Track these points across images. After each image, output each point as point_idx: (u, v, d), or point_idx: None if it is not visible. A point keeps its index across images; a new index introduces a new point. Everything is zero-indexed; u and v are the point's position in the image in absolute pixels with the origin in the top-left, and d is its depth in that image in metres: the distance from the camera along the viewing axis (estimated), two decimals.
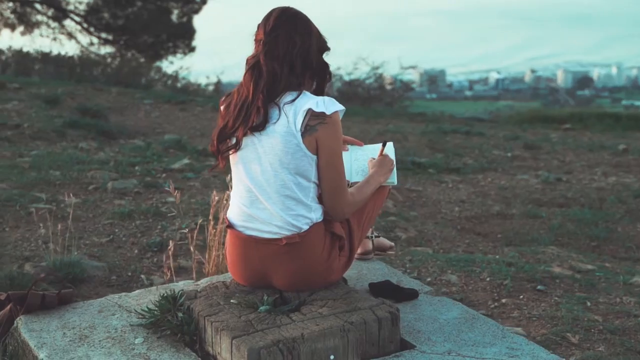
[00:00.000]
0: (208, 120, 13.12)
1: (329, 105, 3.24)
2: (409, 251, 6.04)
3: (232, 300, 3.32)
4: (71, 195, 5.60)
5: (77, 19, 28.80)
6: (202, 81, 23.33)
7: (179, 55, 29.03)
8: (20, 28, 28.24)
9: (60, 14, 28.76)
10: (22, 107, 11.66)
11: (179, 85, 20.89)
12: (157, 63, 28.87)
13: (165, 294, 3.42)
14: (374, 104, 21.63)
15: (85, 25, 28.98)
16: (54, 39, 28.80)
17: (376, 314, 3.19)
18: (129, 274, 5.21)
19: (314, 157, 3.27)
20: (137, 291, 3.82)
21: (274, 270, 3.36)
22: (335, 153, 3.28)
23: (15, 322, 3.52)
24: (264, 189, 3.30)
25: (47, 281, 4.89)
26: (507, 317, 4.79)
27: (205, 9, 28.67)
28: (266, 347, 2.94)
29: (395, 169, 3.76)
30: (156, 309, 3.38)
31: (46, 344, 3.29)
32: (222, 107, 3.43)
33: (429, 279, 5.37)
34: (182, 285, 3.88)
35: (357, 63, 22.36)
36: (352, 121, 14.74)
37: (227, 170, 3.47)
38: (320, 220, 3.35)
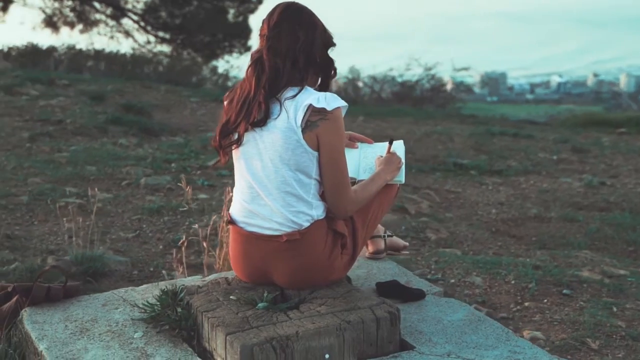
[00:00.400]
0: None
1: (330, 101, 3.20)
2: (437, 252, 5.97)
3: (231, 297, 3.30)
4: (96, 189, 5.63)
5: (135, 17, 29.13)
6: None
7: (235, 55, 29.17)
8: (79, 26, 28.66)
9: (119, 13, 29.14)
10: (68, 103, 11.77)
11: (229, 83, 20.93)
12: (213, 62, 29.07)
13: (165, 289, 3.41)
14: (426, 105, 21.46)
15: (142, 23, 29.30)
16: (111, 37, 29.18)
17: (375, 313, 3.15)
18: (151, 269, 5.22)
19: (315, 153, 3.23)
20: (143, 285, 3.82)
21: (274, 267, 3.34)
22: (336, 149, 3.24)
23: (20, 313, 3.54)
24: (264, 185, 3.28)
25: (68, 274, 4.91)
26: (529, 320, 4.71)
27: (261, 8, 28.77)
28: (259, 344, 2.92)
29: (404, 167, 3.71)
30: (157, 303, 3.37)
31: (47, 336, 3.30)
32: (225, 102, 3.42)
33: (452, 281, 5.30)
34: (189, 280, 3.87)
35: (409, 64, 22.24)
36: (400, 122, 14.62)
37: (230, 166, 3.45)
38: (321, 217, 3.32)
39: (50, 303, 3.60)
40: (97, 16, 29.49)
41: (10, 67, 16.27)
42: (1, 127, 9.60)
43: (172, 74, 19.48)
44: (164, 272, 5.13)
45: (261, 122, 3.24)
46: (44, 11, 28.71)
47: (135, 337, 3.27)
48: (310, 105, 3.18)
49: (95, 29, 29.04)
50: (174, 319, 3.26)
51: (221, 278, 3.54)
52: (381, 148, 3.84)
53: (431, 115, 16.74)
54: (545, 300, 4.98)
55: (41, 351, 3.20)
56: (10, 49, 20.86)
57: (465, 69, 22.92)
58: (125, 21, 29.18)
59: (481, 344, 3.23)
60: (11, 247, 5.42)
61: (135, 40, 28.96)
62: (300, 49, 3.26)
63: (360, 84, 23.04)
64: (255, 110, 3.25)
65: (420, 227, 6.64)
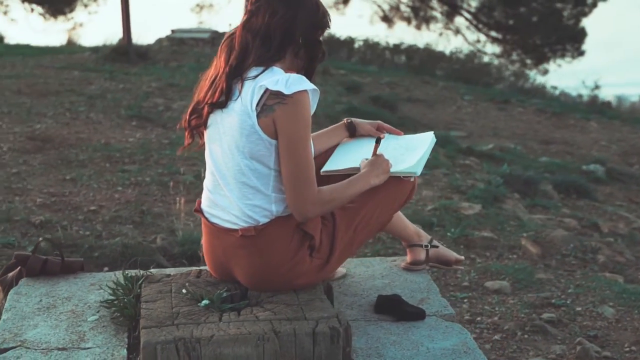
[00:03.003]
0: (518, 121, 12.54)
1: (292, 83, 2.86)
2: (590, 277, 5.29)
3: (183, 290, 3.06)
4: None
5: (468, 15, 29.19)
6: (566, 88, 22.11)
7: (567, 59, 28.21)
8: (415, 22, 29.22)
9: (452, 11, 29.39)
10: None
11: (526, 85, 20.15)
12: (543, 65, 28.38)
13: (129, 274, 3.25)
14: None
15: (474, 22, 29.32)
16: (440, 34, 29.45)
17: (316, 327, 2.78)
18: None
19: (273, 141, 2.91)
20: (154, 270, 3.67)
21: (234, 264, 3.06)
22: (294, 138, 2.88)
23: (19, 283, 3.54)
24: (223, 174, 3.02)
25: (161, 253, 4.91)
26: None
27: (595, 12, 27.69)
28: (164, 343, 2.67)
29: (422, 159, 3.25)
30: (119, 288, 3.22)
31: (15, 307, 3.25)
32: (201, 81, 3.18)
33: (578, 309, 4.68)
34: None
35: None
36: None
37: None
38: (285, 214, 2.99)
39: (48, 276, 3.55)
40: (432, 13, 29.96)
41: None
42: None
43: (466, 71, 19.09)
44: None
45: (221, 103, 2.98)
46: (379, 6, 29.60)
47: (88, 320, 3.13)
48: (266, 87, 2.87)
49: (429, 26, 29.56)
50: (120, 307, 3.09)
51: (196, 270, 3.32)
52: (410, 141, 3.41)
53: None
54: None
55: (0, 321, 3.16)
56: None
57: None
58: (457, 19, 29.41)
59: None
60: (138, 222, 5.49)
61: (466, 39, 29.07)
62: (277, 25, 2.95)
63: None
64: (219, 90, 2.99)
65: (594, 248, 5.91)
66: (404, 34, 33.53)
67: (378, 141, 3.26)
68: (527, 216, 6.44)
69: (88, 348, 2.93)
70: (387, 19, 30.07)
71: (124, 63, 12.66)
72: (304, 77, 2.91)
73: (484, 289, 4.89)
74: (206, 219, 3.11)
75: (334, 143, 3.46)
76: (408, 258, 3.66)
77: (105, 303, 3.20)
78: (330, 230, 3.08)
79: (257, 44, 2.95)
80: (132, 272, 3.31)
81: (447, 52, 22.18)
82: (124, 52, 13.10)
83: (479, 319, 4.48)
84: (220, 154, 3.00)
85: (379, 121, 3.51)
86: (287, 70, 3.01)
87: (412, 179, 3.24)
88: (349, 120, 3.50)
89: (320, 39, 3.08)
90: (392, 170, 3.19)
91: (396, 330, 3.10)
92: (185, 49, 14.68)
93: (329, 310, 2.91)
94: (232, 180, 2.98)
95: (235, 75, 2.96)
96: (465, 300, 4.73)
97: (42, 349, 2.92)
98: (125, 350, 2.91)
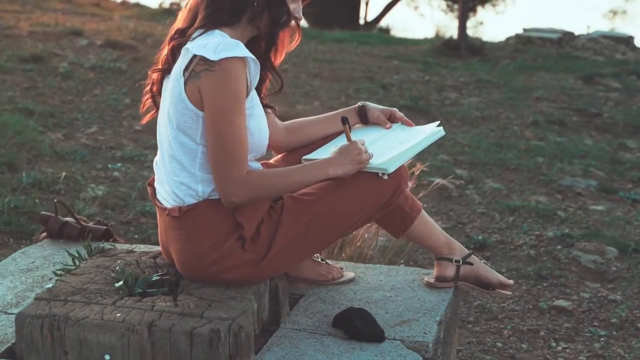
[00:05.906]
0: None
1: (222, 49, 2.53)
2: None
3: (116, 268, 2.83)
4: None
5: None
6: None
7: None
8: None
9: None
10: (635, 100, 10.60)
11: None
12: None
13: (92, 245, 3.08)
14: None
15: None
16: None
17: (197, 328, 2.43)
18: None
19: (200, 112, 2.59)
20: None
21: (170, 246, 2.78)
22: (219, 112, 2.55)
23: None
24: (162, 145, 2.77)
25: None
26: None
27: None
28: (34, 317, 2.50)
29: (405, 155, 2.79)
30: (78, 256, 3.05)
31: (6, 264, 3.27)
32: None
33: None
34: None
35: None
36: None
37: None
38: (215, 197, 2.65)
39: (67, 239, 3.48)
40: None
41: None
42: (502, 114, 9.15)
43: None
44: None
45: (166, 69, 2.72)
46: None
47: (44, 286, 3.03)
48: (193, 52, 2.56)
49: None
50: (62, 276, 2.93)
51: (158, 250, 3.05)
52: (413, 132, 2.91)
53: None
54: None
55: None
56: None
57: None
58: None
59: None
60: None
61: None
62: None
63: None
64: (164, 55, 2.74)
65: None
66: None
67: (345, 122, 2.79)
68: None
69: (12, 313, 2.84)
70: None
71: (451, 57, 12.36)
72: (240, 43, 2.56)
73: (635, 330, 4.08)
74: (154, 194, 2.85)
75: (339, 128, 3.02)
76: (434, 272, 3.09)
77: (60, 271, 3.04)
78: (274, 221, 2.68)
79: (204, 5, 2.65)
80: (96, 244, 3.12)
81: None
82: (455, 46, 12.83)
83: None
84: (162, 123, 2.74)
85: (393, 108, 3.03)
86: (240, 37, 2.67)
87: (386, 177, 2.73)
88: (360, 105, 3.05)
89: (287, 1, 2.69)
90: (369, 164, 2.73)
91: (336, 350, 2.62)
92: (529, 48, 13.94)
93: (233, 311, 2.53)
94: (165, 153, 2.72)
95: (179, 38, 2.68)
96: (602, 339, 3.97)
97: None
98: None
